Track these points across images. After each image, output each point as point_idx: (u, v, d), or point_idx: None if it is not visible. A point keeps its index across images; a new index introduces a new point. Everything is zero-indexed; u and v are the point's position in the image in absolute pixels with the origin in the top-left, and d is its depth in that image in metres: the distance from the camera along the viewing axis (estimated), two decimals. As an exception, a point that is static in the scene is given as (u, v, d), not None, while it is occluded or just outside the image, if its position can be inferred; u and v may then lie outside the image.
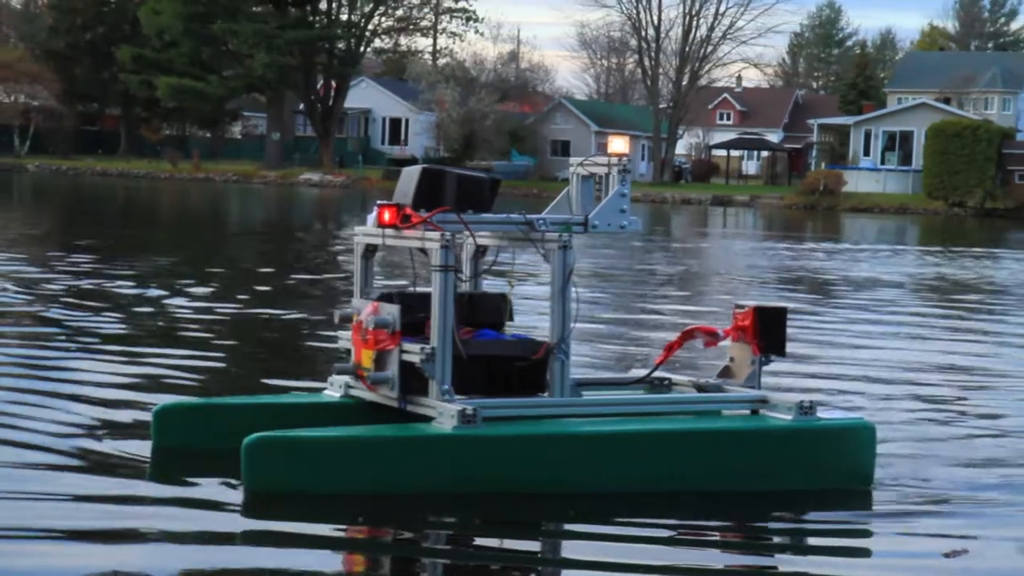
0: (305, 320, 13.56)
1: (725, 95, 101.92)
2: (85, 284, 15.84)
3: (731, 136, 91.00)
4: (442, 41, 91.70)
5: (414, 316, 6.76)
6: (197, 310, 13.95)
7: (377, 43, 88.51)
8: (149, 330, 12.42)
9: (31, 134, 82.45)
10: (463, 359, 6.68)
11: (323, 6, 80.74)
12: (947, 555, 6.17)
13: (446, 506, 6.44)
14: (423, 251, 6.72)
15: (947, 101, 79.27)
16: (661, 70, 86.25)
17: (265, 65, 74.90)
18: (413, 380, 6.69)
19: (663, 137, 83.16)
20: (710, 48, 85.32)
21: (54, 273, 17.07)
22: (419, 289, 7.07)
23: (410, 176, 6.86)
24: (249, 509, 6.31)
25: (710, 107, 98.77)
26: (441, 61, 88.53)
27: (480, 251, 7.30)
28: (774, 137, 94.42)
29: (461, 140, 78.55)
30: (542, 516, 6.50)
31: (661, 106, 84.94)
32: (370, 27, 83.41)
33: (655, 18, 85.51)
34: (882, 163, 73.80)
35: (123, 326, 12.55)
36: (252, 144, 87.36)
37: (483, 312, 7.11)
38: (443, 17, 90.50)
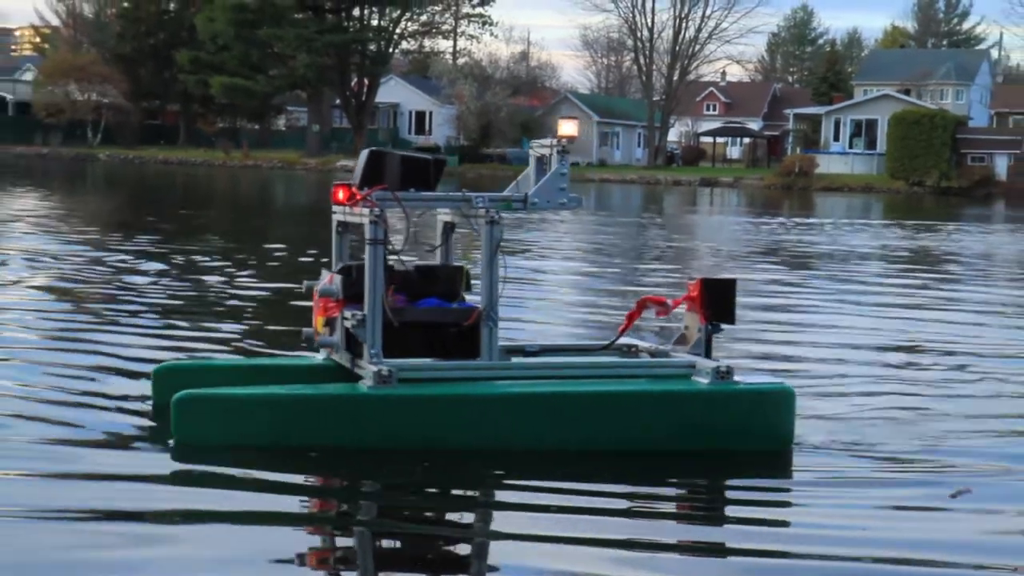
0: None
1: (711, 88, 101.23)
2: (135, 258, 15.44)
3: (717, 125, 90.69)
4: (461, 43, 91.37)
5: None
6: (233, 283, 13.37)
7: (404, 45, 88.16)
8: (186, 302, 11.89)
9: (102, 128, 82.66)
10: (402, 325, 6.33)
11: (356, 13, 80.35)
12: (953, 495, 5.58)
13: (376, 469, 5.92)
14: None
15: (907, 92, 78.85)
16: (654, 67, 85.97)
17: (306, 65, 75.07)
18: (356, 344, 6.38)
19: (657, 126, 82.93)
20: (698, 47, 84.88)
21: (110, 250, 16.66)
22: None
23: (361, 159, 6.54)
24: (178, 459, 6.00)
25: (698, 99, 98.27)
26: (460, 60, 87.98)
27: (449, 227, 6.93)
28: (755, 125, 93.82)
29: (479, 130, 78.23)
30: (465, 477, 5.91)
31: (654, 98, 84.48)
32: (398, 31, 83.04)
33: (649, 21, 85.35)
34: (850, 148, 73.24)
35: (167, 298, 12.00)
36: (295, 135, 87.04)
37: (438, 283, 6.71)
38: (462, 22, 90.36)
